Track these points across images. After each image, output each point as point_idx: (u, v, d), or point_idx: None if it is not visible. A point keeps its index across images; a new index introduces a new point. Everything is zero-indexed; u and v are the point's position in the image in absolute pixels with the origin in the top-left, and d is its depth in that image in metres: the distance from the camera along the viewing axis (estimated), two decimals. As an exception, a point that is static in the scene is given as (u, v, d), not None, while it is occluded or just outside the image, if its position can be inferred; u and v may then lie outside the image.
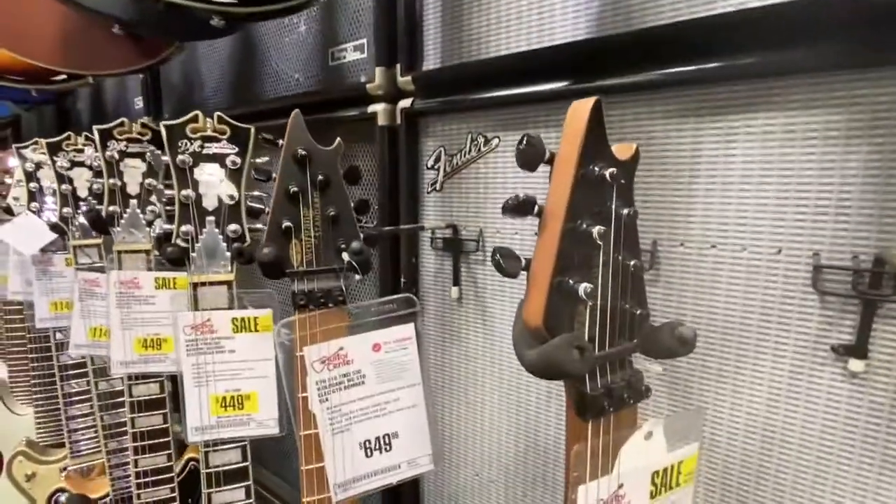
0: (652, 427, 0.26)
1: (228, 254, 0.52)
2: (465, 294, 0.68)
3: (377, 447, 0.42)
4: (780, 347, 0.46)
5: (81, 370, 0.97)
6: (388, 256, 0.72)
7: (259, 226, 0.54)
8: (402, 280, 0.71)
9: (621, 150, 0.25)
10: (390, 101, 0.69)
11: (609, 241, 0.24)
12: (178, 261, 0.50)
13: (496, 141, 0.62)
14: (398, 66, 0.67)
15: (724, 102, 0.46)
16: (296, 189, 0.37)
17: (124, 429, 0.87)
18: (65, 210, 0.80)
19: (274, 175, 0.38)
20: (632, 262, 0.24)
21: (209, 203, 0.53)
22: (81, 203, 0.79)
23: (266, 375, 0.53)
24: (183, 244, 0.51)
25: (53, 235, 0.87)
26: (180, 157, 0.51)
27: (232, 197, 0.53)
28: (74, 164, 0.80)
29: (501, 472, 0.69)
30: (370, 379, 0.41)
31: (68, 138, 0.79)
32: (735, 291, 0.47)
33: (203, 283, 0.51)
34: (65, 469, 0.97)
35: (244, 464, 0.56)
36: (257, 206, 0.46)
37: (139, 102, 1.23)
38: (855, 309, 0.42)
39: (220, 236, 0.52)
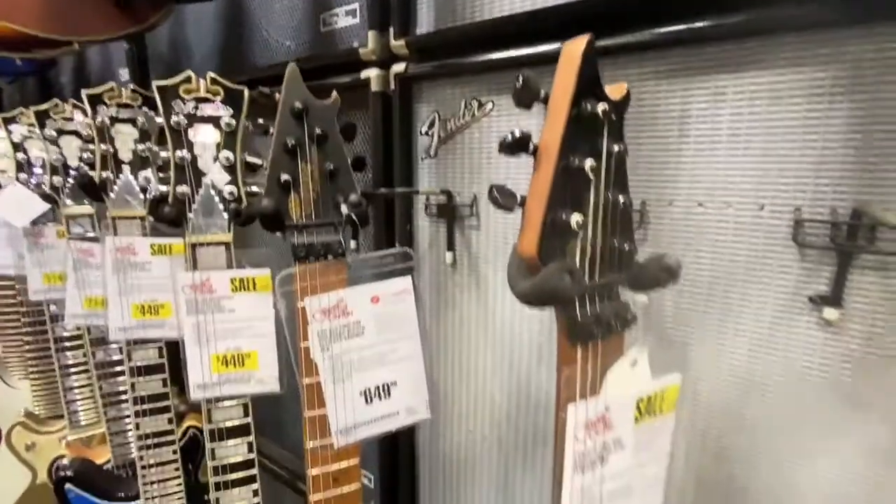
0: (637, 355, 0.28)
1: (225, 214, 0.53)
2: (460, 259, 0.70)
3: (377, 395, 0.44)
4: (762, 300, 0.48)
5: (77, 342, 0.98)
6: (383, 224, 0.73)
7: (255, 188, 0.55)
8: (398, 246, 0.72)
9: (613, 91, 0.26)
10: (383, 66, 0.68)
11: (600, 175, 0.25)
12: (175, 221, 0.50)
13: (490, 105, 0.62)
14: (391, 30, 0.66)
15: (713, 62, 0.47)
16: (294, 143, 0.38)
17: (123, 397, 0.88)
18: (55, 179, 0.79)
19: (271, 129, 0.39)
20: (621, 199, 0.26)
21: (204, 164, 0.53)
22: (72, 171, 0.79)
23: (266, 334, 0.55)
24: (179, 205, 0.51)
25: (45, 206, 0.86)
26: (174, 118, 0.51)
27: (228, 159, 0.53)
28: (62, 132, 0.79)
29: (494, 427, 0.72)
30: (369, 330, 0.43)
31: (56, 106, 0.78)
32: (720, 248, 0.49)
33: (201, 244, 0.52)
34: (64, 439, 0.98)
35: (246, 420, 0.57)
36: (256, 160, 0.46)
37: (125, 74, 1.21)
38: (832, 261, 0.44)
39: (217, 197, 0.53)
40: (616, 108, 0.25)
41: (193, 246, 0.52)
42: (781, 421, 0.48)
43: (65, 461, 0.77)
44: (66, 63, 1.39)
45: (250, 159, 0.46)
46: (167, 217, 0.49)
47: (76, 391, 0.99)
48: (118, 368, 0.87)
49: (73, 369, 0.98)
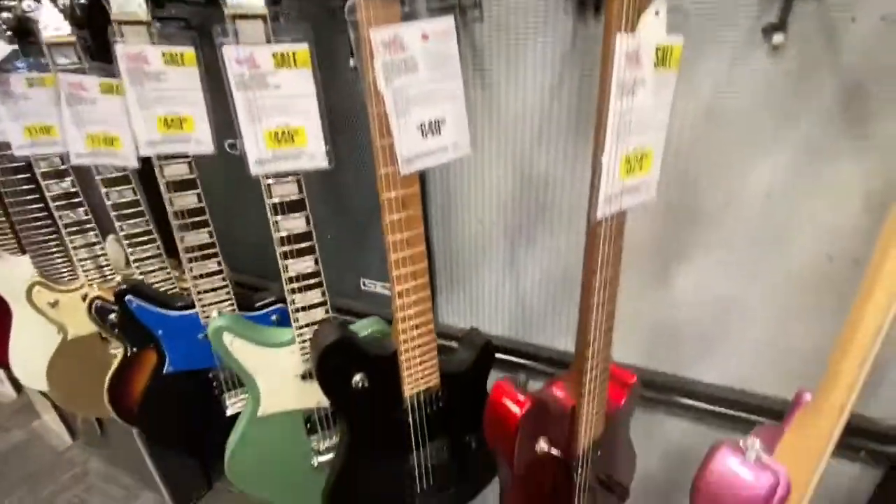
0: (659, 6, 0.38)
1: (258, -12, 0.55)
2: (464, 54, 0.76)
3: (430, 130, 0.53)
4: (726, 41, 0.59)
5: (75, 199, 0.97)
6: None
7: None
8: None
9: None
10: None
11: None
12: (213, -10, 0.52)
13: None
14: None
15: None
16: None
17: (145, 238, 0.92)
18: (25, 3, 0.74)
19: None
20: None
21: (227, -64, 0.54)
22: (42, -8, 0.73)
23: (310, 111, 0.60)
24: (211, -23, 0.52)
25: (9, 48, 0.81)
26: None
27: (248, -69, 0.54)
28: (18, -53, 0.71)
29: (500, 214, 0.85)
30: (421, 66, 0.50)
31: (2, -89, 0.69)
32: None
33: (240, 17, 0.55)
34: (87, 295, 1.02)
35: (301, 196, 0.65)
36: None
37: None
38: (783, -4, 0.55)
39: (246, -31, 0.54)
40: None
41: (233, 17, 0.54)
42: (733, 137, 0.63)
43: (119, 280, 0.82)
44: None
45: None
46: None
47: (84, 249, 1.01)
48: (134, 210, 0.90)
49: (75, 227, 0.99)
